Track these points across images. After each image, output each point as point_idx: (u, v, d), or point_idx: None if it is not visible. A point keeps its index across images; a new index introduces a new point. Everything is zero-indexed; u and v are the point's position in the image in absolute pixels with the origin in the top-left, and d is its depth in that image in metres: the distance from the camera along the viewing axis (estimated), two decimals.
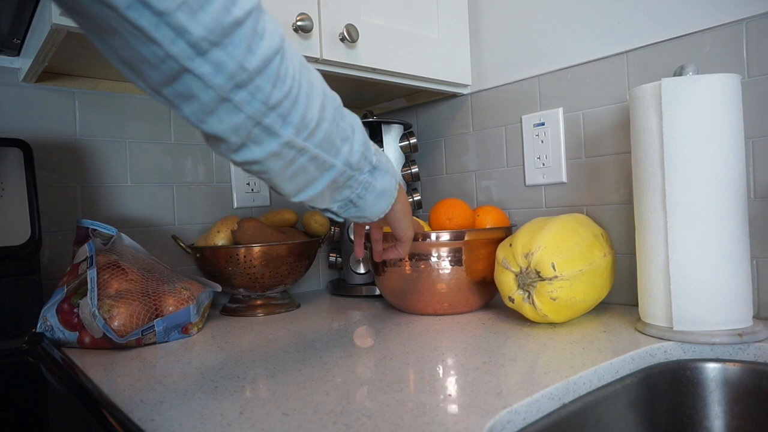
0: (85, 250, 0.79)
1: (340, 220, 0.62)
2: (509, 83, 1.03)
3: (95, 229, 0.83)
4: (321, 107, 0.49)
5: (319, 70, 0.85)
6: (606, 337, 0.68)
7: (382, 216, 0.62)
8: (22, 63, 0.87)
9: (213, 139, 0.47)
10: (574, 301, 0.72)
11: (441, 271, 0.84)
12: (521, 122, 1.01)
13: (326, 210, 0.59)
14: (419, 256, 0.85)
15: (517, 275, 0.74)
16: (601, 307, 0.86)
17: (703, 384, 0.64)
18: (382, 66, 0.91)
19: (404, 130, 1.13)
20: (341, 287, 1.12)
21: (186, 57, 0.39)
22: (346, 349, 0.68)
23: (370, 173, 0.58)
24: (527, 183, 1.01)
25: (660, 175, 0.67)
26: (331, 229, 1.10)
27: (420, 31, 0.98)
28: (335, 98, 0.52)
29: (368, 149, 0.57)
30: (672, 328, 0.67)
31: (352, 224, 0.74)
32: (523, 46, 1.00)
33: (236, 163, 0.49)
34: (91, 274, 0.74)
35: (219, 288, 0.87)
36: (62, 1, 0.38)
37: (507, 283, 0.75)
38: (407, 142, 1.11)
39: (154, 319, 0.75)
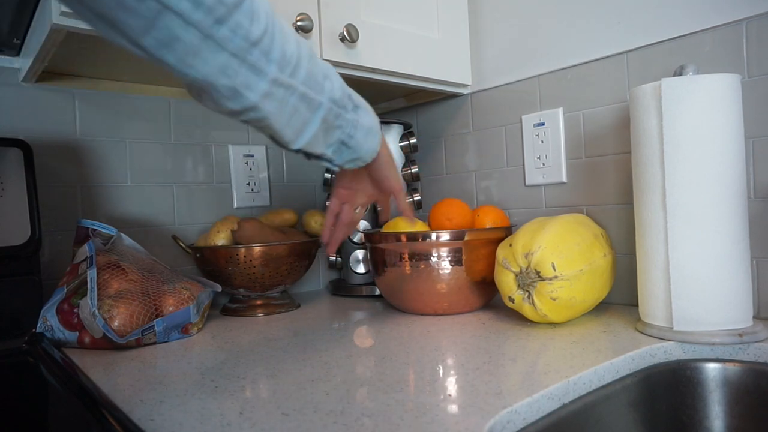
0: (85, 250, 0.79)
1: (336, 168, 0.63)
2: (509, 83, 1.03)
3: (95, 229, 0.83)
4: (297, 45, 0.51)
5: None
6: (606, 337, 0.68)
7: (375, 155, 0.64)
8: (22, 63, 0.87)
9: (205, 90, 0.47)
10: (574, 301, 0.72)
11: (441, 271, 0.84)
12: (521, 122, 1.01)
13: (322, 157, 0.60)
14: (419, 256, 0.85)
15: (517, 275, 0.74)
16: (601, 307, 0.86)
17: (703, 384, 0.64)
18: (381, 66, 0.91)
19: (404, 130, 1.13)
20: (341, 287, 1.12)
21: None
22: (346, 349, 0.68)
23: (354, 111, 0.59)
24: (527, 183, 1.01)
25: (660, 175, 0.67)
26: None
27: (420, 31, 0.98)
28: (306, 42, 0.54)
29: (346, 87, 0.59)
30: (672, 328, 0.67)
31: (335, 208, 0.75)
32: (524, 46, 1.00)
33: (233, 113, 0.50)
34: (91, 274, 0.74)
35: (219, 288, 0.87)
36: None
37: (507, 283, 0.75)
38: (407, 142, 1.11)
39: (154, 319, 0.75)
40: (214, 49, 0.43)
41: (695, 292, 0.65)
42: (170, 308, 0.77)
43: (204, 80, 0.45)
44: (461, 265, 0.84)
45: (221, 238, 0.95)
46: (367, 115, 0.62)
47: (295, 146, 0.56)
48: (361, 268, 1.10)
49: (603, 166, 0.90)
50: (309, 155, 0.59)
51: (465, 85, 1.09)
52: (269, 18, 0.47)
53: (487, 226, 0.91)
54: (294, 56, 0.50)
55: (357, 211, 0.75)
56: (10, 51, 0.85)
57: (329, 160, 0.61)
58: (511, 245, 0.76)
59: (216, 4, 0.42)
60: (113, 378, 0.60)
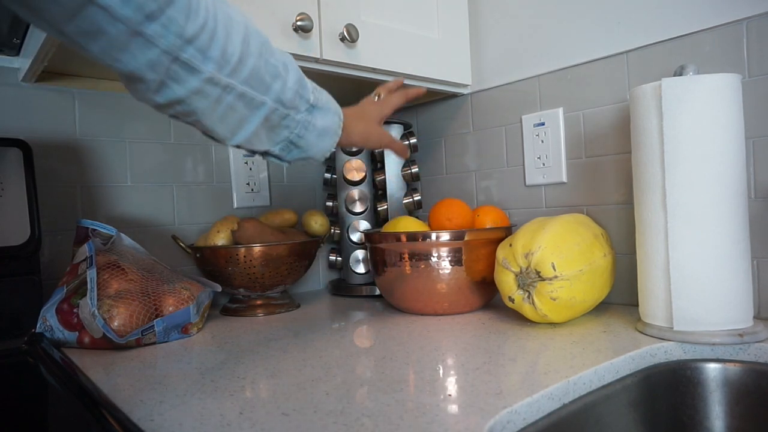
0: (84, 250, 0.79)
1: (286, 164, 0.61)
2: (509, 83, 1.03)
3: (95, 229, 0.83)
4: (244, 41, 0.47)
5: (319, 69, 0.86)
6: (606, 337, 0.68)
7: (327, 155, 0.61)
8: (22, 63, 0.87)
9: (131, 80, 0.44)
10: (574, 301, 0.72)
11: (441, 271, 0.84)
12: (521, 122, 1.01)
13: (268, 153, 0.57)
14: (419, 256, 0.84)
15: (517, 275, 0.74)
16: (601, 307, 0.86)
17: (704, 384, 0.64)
18: (382, 66, 0.91)
19: (404, 130, 1.13)
20: (341, 287, 1.12)
21: None
22: (346, 349, 0.68)
23: (309, 112, 0.56)
24: (527, 183, 1.01)
25: (660, 175, 0.67)
26: (331, 229, 1.10)
27: (420, 31, 0.98)
28: (261, 34, 0.51)
29: (304, 87, 0.55)
30: (672, 328, 0.67)
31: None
32: (523, 46, 1.00)
33: (159, 107, 0.47)
34: (91, 274, 0.74)
35: (219, 288, 0.87)
36: None
37: (507, 283, 0.75)
38: (407, 142, 1.11)
39: (154, 319, 0.74)
40: (143, 46, 0.41)
41: (695, 292, 0.65)
42: (170, 308, 0.77)
43: (130, 73, 0.43)
44: (461, 265, 0.84)
45: (221, 238, 0.95)
46: (324, 116, 0.58)
47: (232, 143, 0.53)
48: (361, 268, 1.10)
49: (603, 166, 0.90)
50: (252, 151, 0.57)
51: (465, 85, 1.09)
52: (210, 12, 0.44)
53: (487, 226, 0.91)
54: (236, 54, 0.47)
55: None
56: (10, 51, 0.85)
57: (277, 157, 0.58)
58: (511, 245, 0.76)
59: (147, 0, 0.39)
60: (113, 378, 0.60)
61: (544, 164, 0.98)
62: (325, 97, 0.59)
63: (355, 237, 1.10)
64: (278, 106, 0.52)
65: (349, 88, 1.10)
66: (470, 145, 1.12)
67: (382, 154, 1.11)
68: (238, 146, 0.54)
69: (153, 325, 0.74)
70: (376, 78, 0.94)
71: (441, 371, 0.58)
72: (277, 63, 0.52)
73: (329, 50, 0.84)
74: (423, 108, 1.21)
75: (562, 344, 0.66)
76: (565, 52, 0.94)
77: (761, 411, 0.62)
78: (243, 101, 0.49)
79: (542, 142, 0.97)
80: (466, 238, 0.84)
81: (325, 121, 0.58)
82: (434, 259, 0.84)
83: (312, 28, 0.80)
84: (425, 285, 0.85)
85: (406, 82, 0.99)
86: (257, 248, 0.90)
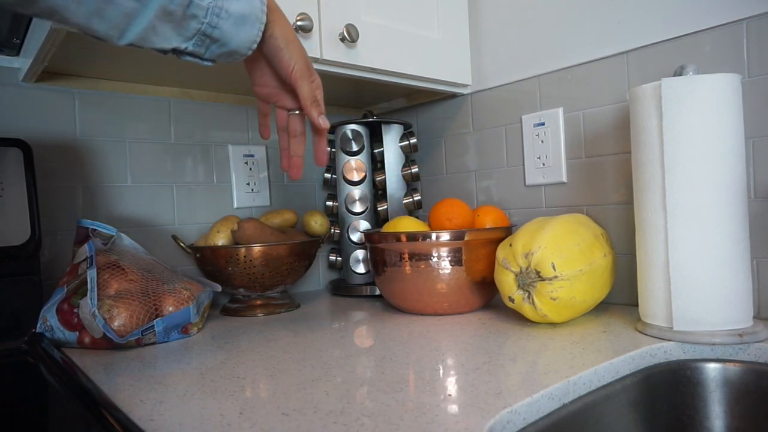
0: (85, 250, 0.79)
1: (208, 63, 0.53)
2: (509, 83, 1.03)
3: (95, 229, 0.83)
4: None
5: (319, 69, 0.86)
6: (606, 337, 0.68)
7: (254, 47, 0.53)
8: (22, 63, 0.87)
9: None
10: (574, 301, 0.72)
11: (441, 271, 0.84)
12: (521, 122, 1.01)
13: (180, 52, 0.50)
14: (419, 256, 0.85)
15: (517, 275, 0.74)
16: (601, 307, 0.86)
17: (704, 384, 0.64)
18: (382, 66, 0.91)
19: (404, 130, 1.13)
20: (341, 287, 1.12)
21: None
22: (346, 349, 0.68)
23: None
24: (527, 183, 1.01)
25: (660, 175, 0.67)
26: (331, 229, 1.10)
27: (420, 31, 0.98)
28: None
29: None
30: (672, 328, 0.67)
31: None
32: (523, 46, 1.00)
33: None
34: (91, 274, 0.74)
35: (219, 288, 0.87)
36: None
37: (507, 283, 0.75)
38: (407, 142, 1.11)
39: (154, 319, 0.75)
40: None
41: (695, 292, 0.65)
42: (170, 308, 0.77)
43: None
44: (461, 265, 0.84)
45: (221, 238, 0.95)
46: (238, 0, 0.50)
47: (122, 42, 0.45)
48: (361, 268, 1.10)
49: (603, 166, 0.90)
50: (160, 50, 0.48)
51: (465, 85, 1.09)
52: None
53: (487, 226, 0.91)
54: None
55: (296, 113, 0.63)
56: (10, 51, 0.85)
57: (194, 55, 0.50)
58: (511, 245, 0.76)
59: None
60: (113, 378, 0.60)
61: (544, 164, 0.98)
62: None
63: (355, 237, 1.10)
64: None
65: (349, 88, 1.10)
66: (470, 145, 1.12)
67: (381, 154, 1.11)
68: (133, 45, 0.47)
69: (153, 325, 0.74)
70: (376, 78, 0.94)
71: (441, 371, 0.58)
72: None
73: (329, 50, 0.84)
74: (423, 108, 1.21)
75: (562, 344, 0.66)
76: (565, 52, 0.94)
77: (761, 411, 0.62)
78: None
79: (542, 142, 0.98)
80: (466, 238, 0.84)
81: (242, 6, 0.50)
82: (434, 259, 0.84)
83: (312, 28, 0.80)
84: (425, 285, 0.85)
85: (406, 82, 0.99)
86: (257, 248, 0.91)
